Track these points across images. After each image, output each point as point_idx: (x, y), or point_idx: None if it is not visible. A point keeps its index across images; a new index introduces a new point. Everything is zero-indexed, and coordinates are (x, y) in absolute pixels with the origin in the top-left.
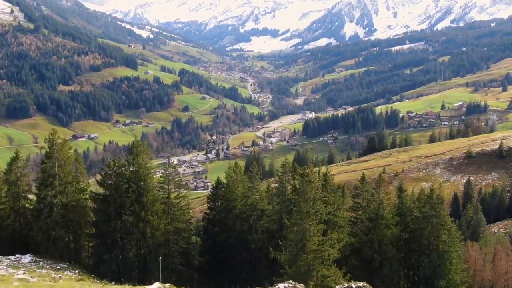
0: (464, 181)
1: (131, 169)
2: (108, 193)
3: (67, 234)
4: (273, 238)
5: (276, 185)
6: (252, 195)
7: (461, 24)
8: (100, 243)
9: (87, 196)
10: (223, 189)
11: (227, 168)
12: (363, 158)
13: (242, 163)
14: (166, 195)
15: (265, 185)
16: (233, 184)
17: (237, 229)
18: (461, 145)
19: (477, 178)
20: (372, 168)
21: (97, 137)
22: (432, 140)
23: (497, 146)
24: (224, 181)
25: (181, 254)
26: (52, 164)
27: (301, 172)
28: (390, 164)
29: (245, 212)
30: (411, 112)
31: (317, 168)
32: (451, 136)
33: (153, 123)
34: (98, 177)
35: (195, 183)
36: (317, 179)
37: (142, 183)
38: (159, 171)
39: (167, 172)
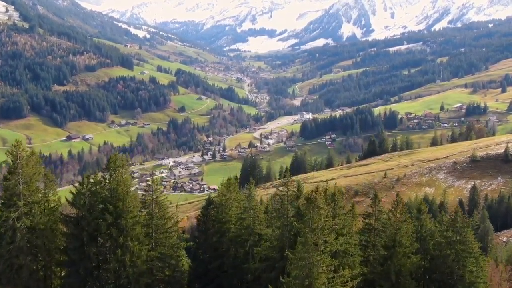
0: (469, 186)
1: (108, 187)
2: (81, 215)
3: (35, 262)
4: (273, 268)
5: (275, 195)
6: (248, 216)
7: (459, 25)
8: (71, 273)
9: (58, 217)
10: (215, 209)
11: (223, 170)
12: (363, 161)
13: (238, 165)
14: (149, 217)
15: (264, 201)
16: (226, 204)
17: (231, 255)
18: (464, 149)
19: (482, 184)
20: (373, 172)
21: (92, 138)
22: (434, 143)
23: (503, 150)
24: (217, 199)
25: (167, 283)
26: (15, 181)
27: (307, 196)
28: (392, 168)
29: (240, 236)
30: (410, 113)
31: (324, 186)
32: (453, 139)
33: (149, 124)
34: (70, 196)
35: (190, 185)
36: (326, 204)
37: (120, 204)
38: (154, 173)
39: (151, 190)
